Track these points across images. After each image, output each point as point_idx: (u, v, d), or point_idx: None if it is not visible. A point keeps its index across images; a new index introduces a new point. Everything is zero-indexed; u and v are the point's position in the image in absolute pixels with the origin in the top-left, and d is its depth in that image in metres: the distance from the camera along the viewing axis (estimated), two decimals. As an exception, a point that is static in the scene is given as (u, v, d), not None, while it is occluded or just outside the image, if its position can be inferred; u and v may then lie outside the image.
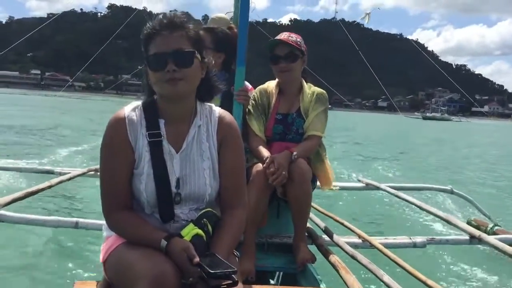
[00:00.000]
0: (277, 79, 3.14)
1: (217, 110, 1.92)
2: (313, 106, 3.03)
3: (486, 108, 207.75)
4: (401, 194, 4.63)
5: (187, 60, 1.73)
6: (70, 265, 4.63)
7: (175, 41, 1.72)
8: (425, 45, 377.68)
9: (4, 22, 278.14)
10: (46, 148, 14.01)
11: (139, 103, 1.85)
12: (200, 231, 1.69)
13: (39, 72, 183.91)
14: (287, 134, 3.04)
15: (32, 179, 6.69)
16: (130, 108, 1.82)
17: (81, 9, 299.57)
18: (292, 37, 3.02)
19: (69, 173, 4.62)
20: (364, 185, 5.19)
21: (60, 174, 4.67)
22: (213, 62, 2.77)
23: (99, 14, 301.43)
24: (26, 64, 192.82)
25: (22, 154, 12.21)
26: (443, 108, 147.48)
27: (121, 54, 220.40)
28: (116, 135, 1.77)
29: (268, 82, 3.20)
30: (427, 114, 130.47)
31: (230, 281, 1.52)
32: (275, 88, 3.13)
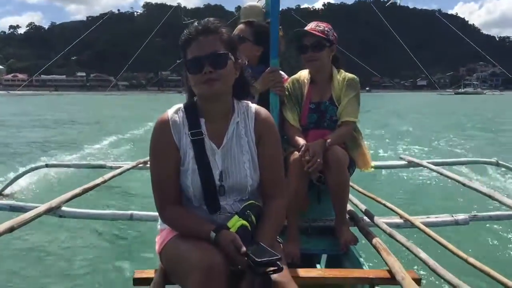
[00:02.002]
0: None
1: (253, 107, 2.03)
2: (344, 93, 3.05)
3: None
4: (443, 170, 4.55)
5: (221, 61, 1.85)
6: (128, 255, 4.86)
7: (210, 45, 1.85)
8: (466, 19, 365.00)
9: (46, 28, 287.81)
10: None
11: (181, 105, 2.00)
12: (245, 222, 1.80)
13: (84, 74, 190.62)
14: (322, 122, 3.08)
15: (84, 174, 7.22)
16: (173, 110, 1.97)
17: (118, 10, 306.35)
18: (319, 27, 3.05)
19: (120, 167, 4.79)
20: (406, 162, 5.15)
21: (112, 168, 4.86)
22: (251, 55, 2.96)
23: (135, 13, 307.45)
24: (71, 67, 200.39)
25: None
26: (475, 82, 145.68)
27: (159, 51, 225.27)
28: (162, 137, 1.92)
29: (300, 71, 3.25)
30: (459, 90, 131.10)
31: (275, 267, 1.62)
32: (307, 77, 3.17)
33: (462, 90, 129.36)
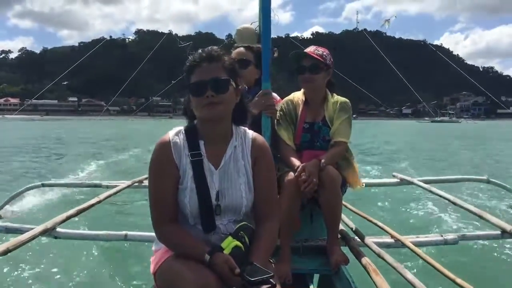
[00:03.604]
0: (302, 90, 3.29)
1: (250, 133, 2.15)
2: (337, 115, 3.15)
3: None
4: (434, 189, 4.58)
5: (223, 86, 1.96)
6: (121, 276, 4.83)
7: (213, 70, 1.97)
8: (450, 50, 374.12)
9: (38, 53, 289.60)
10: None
11: (181, 128, 2.10)
12: (238, 243, 1.87)
13: (76, 99, 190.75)
14: (315, 142, 3.17)
15: (80, 193, 7.30)
16: (174, 132, 2.07)
17: (110, 36, 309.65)
18: (318, 51, 3.16)
19: (116, 186, 4.79)
20: (398, 180, 5.20)
21: (107, 187, 4.85)
22: (251, 77, 3.19)
23: (127, 40, 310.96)
24: (63, 92, 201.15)
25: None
26: (451, 112, 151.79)
27: (150, 77, 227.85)
28: (162, 156, 2.01)
29: (294, 93, 3.34)
30: (436, 118, 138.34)
31: (269, 285, 1.68)
32: (301, 98, 3.26)
33: (439, 119, 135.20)
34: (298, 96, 3.31)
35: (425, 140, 35.00)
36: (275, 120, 3.21)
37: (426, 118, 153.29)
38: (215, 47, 2.06)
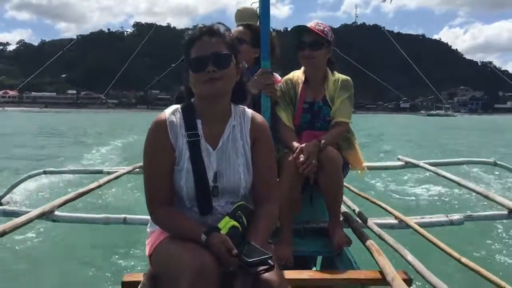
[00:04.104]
0: (302, 68, 3.19)
1: (250, 112, 2.07)
2: (338, 93, 3.06)
3: (509, 104, 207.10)
4: (439, 171, 4.53)
5: (225, 62, 1.89)
6: (119, 259, 4.85)
7: (214, 45, 1.89)
8: (449, 44, 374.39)
9: (36, 45, 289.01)
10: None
11: (178, 106, 2.01)
12: (236, 223, 1.81)
13: (75, 92, 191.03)
14: (315, 122, 3.08)
15: (82, 180, 7.30)
16: (170, 111, 1.99)
17: (109, 29, 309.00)
18: (319, 26, 3.05)
19: (116, 171, 4.79)
20: (403, 163, 5.16)
21: (109, 173, 4.83)
22: (248, 57, 3.03)
23: (125, 32, 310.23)
24: (61, 85, 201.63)
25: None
26: (447, 106, 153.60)
27: (149, 71, 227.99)
28: (158, 136, 1.93)
29: (293, 72, 3.25)
30: (432, 112, 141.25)
31: (266, 266, 1.64)
32: (301, 77, 3.17)
33: (434, 113, 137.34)
34: (297, 75, 3.21)
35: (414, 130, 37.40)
36: (274, 100, 3.13)
37: (422, 112, 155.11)
38: (215, 22, 2.00)
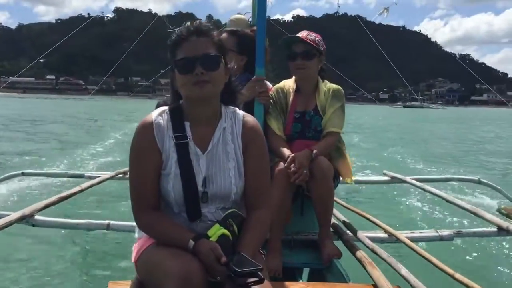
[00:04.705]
0: (293, 77, 3.16)
1: (241, 114, 1.98)
2: (329, 103, 3.04)
3: (485, 97, 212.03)
4: (426, 187, 4.55)
5: (214, 63, 1.81)
6: (103, 266, 4.72)
7: (202, 46, 1.81)
8: (429, 36, 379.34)
9: (14, 28, 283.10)
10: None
11: (165, 108, 1.93)
12: (226, 231, 1.74)
13: (53, 77, 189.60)
14: (306, 132, 3.05)
15: (63, 184, 7.05)
16: (157, 113, 1.91)
17: (89, 14, 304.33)
18: (310, 36, 3.03)
19: (98, 176, 4.67)
20: (389, 178, 5.15)
21: (90, 178, 4.71)
22: (235, 65, 2.73)
23: (105, 18, 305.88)
24: (40, 70, 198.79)
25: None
26: (422, 98, 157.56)
27: (129, 57, 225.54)
28: (144, 139, 1.85)
29: (284, 81, 3.22)
30: (407, 103, 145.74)
31: (256, 279, 1.57)
32: (292, 86, 3.14)
33: (410, 104, 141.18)
34: (289, 84, 3.18)
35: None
36: (265, 109, 3.09)
37: (399, 103, 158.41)
38: (202, 21, 1.92)
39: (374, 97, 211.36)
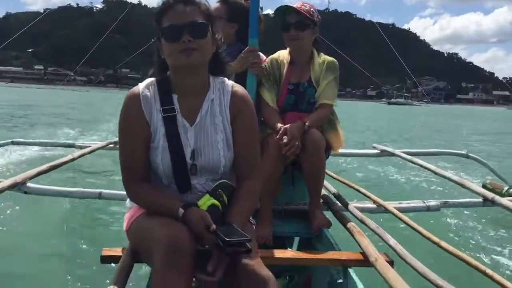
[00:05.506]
0: (288, 49, 3.13)
1: (230, 84, 1.96)
2: (323, 75, 3.02)
3: (470, 95, 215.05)
4: (415, 159, 4.60)
5: (201, 31, 1.80)
6: (97, 233, 4.76)
7: (190, 14, 1.79)
8: (417, 34, 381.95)
9: (1, 17, 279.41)
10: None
11: (153, 79, 1.92)
12: (215, 201, 1.76)
13: (42, 67, 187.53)
14: (300, 104, 3.04)
15: (54, 153, 7.10)
16: (144, 84, 1.90)
17: (77, 4, 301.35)
18: (305, 6, 3.01)
19: (89, 146, 4.66)
20: (378, 151, 5.19)
21: (81, 147, 4.71)
22: (225, 33, 2.72)
23: (94, 8, 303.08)
24: (28, 60, 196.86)
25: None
26: (406, 95, 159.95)
27: (118, 48, 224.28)
28: (131, 111, 1.85)
29: (279, 51, 3.19)
30: (392, 100, 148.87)
31: (244, 249, 1.59)
32: (287, 57, 3.12)
33: (394, 101, 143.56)
34: (283, 55, 3.15)
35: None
36: (259, 81, 3.06)
37: (384, 100, 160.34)
38: None
39: (361, 93, 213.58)
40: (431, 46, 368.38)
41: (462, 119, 47.43)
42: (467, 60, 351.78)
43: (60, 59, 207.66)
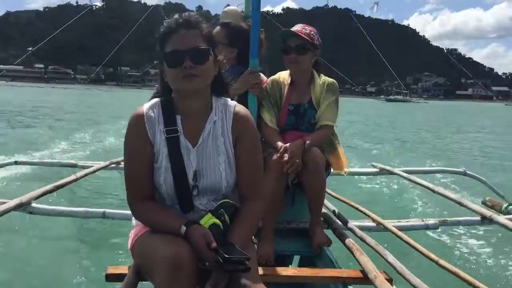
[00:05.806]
0: (289, 70, 3.17)
1: (233, 105, 1.97)
2: (324, 96, 3.06)
3: (470, 91, 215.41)
4: (414, 178, 4.64)
5: (202, 57, 1.81)
6: (101, 252, 4.79)
7: (191, 39, 1.81)
8: (417, 30, 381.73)
9: (1, 16, 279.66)
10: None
11: (157, 100, 1.94)
12: (217, 221, 1.78)
13: (42, 66, 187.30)
14: (300, 125, 3.08)
15: (55, 173, 6.84)
16: (149, 105, 1.92)
17: (77, 2, 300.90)
18: (305, 30, 3.05)
19: (91, 166, 4.68)
20: (377, 170, 5.22)
21: (83, 167, 4.72)
22: (225, 57, 2.58)
23: (94, 6, 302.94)
24: (28, 59, 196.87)
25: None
26: (405, 91, 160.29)
27: (119, 47, 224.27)
28: (136, 132, 1.87)
29: (280, 72, 3.22)
30: (390, 97, 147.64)
31: (243, 267, 1.63)
32: (287, 78, 3.16)
33: (393, 98, 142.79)
34: (284, 76, 3.19)
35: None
36: (259, 101, 3.11)
37: (382, 96, 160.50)
38: (192, 13, 1.91)
39: (361, 90, 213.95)
40: (430, 42, 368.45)
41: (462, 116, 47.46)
42: (466, 56, 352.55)
43: (61, 58, 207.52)
